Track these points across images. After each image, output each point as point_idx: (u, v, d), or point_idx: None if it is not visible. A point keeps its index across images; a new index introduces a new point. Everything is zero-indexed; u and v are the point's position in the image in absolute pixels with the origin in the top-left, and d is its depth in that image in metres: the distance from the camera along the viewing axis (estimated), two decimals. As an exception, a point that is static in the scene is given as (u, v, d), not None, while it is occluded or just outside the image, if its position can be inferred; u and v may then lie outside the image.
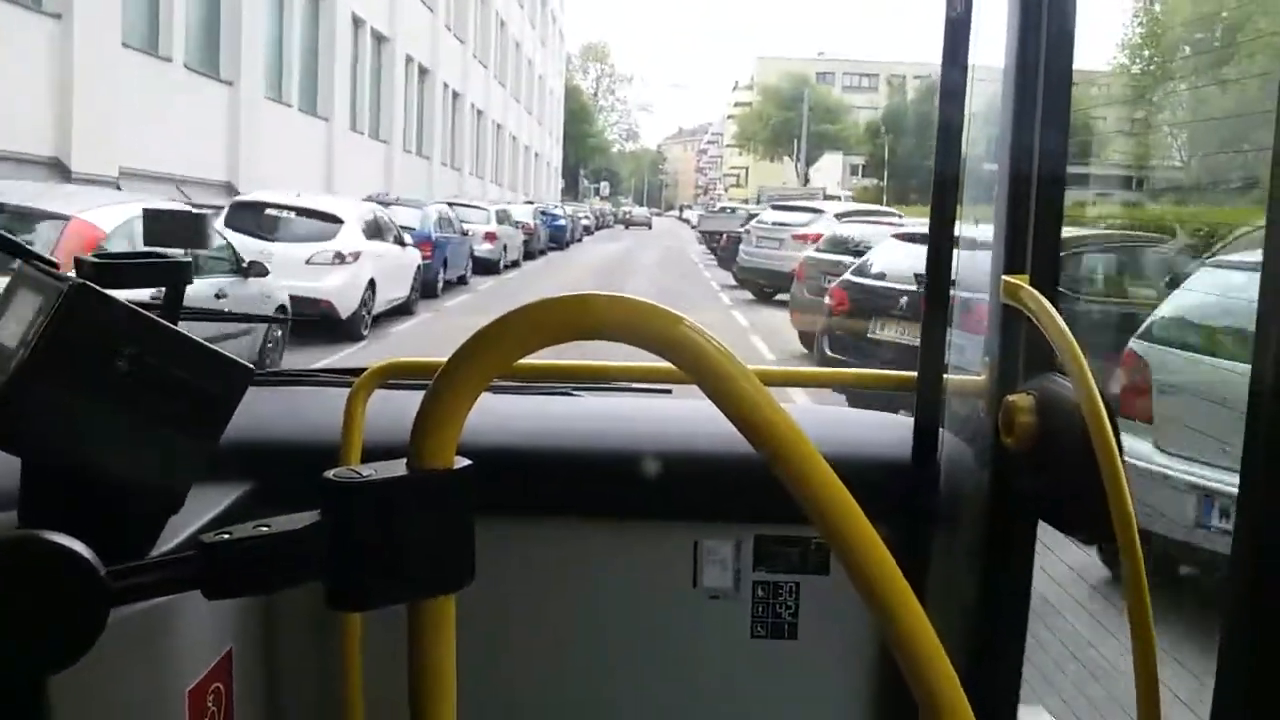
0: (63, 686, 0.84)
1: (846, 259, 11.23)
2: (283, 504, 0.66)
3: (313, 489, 0.59)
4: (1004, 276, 1.27)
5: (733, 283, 19.72)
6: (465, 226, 19.43)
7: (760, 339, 13.18)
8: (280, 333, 9.36)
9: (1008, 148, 1.29)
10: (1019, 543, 1.35)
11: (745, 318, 15.57)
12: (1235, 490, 0.90)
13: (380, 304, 12.80)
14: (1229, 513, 4.10)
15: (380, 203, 15.59)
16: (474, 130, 40.73)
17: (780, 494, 0.57)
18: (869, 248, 11.20)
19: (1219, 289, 4.92)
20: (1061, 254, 1.31)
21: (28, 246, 0.98)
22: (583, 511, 1.52)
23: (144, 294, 1.05)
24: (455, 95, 37.28)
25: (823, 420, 1.83)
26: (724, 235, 24.58)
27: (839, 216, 16.34)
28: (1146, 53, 22.31)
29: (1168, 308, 5.34)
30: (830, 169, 66.44)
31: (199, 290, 7.06)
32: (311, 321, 11.13)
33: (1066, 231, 1.32)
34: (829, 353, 9.26)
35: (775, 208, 19.93)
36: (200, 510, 1.19)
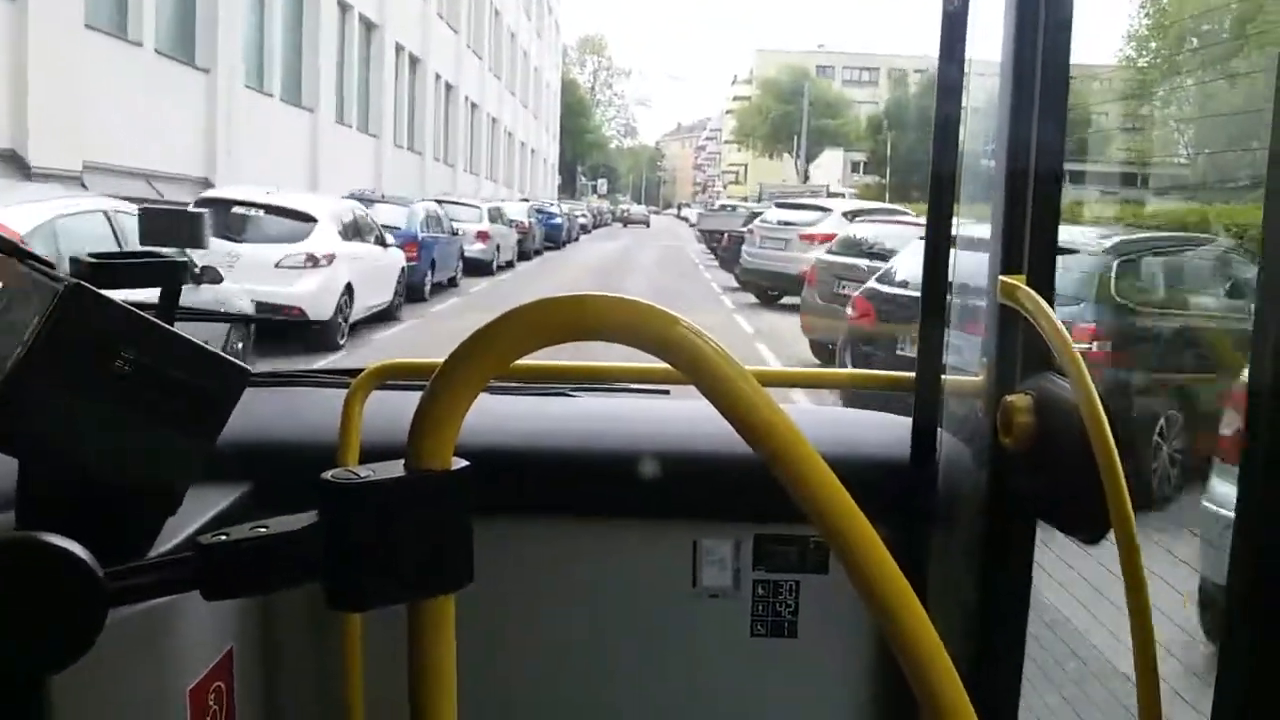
0: (64, 686, 0.88)
1: (861, 262, 10.95)
2: (281, 505, 0.66)
3: (311, 490, 0.60)
4: (1001, 277, 1.29)
5: (734, 285, 19.21)
6: (456, 225, 18.84)
7: (766, 346, 12.55)
8: (241, 345, 8.56)
9: (1005, 146, 1.31)
10: (1018, 542, 1.37)
11: (749, 323, 15.00)
12: None
13: (359, 310, 12.16)
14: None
15: (362, 200, 14.92)
16: (468, 124, 39.84)
17: (779, 493, 0.58)
18: (885, 249, 11.06)
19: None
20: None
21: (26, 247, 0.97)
22: (581, 512, 1.54)
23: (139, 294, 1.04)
24: (448, 87, 36.36)
25: (821, 420, 1.88)
26: (725, 235, 24.10)
27: (848, 215, 15.85)
28: (1153, 44, 21.78)
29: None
30: (831, 165, 66.22)
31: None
32: (283, 330, 10.51)
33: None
34: (851, 368, 8.53)
35: (780, 205, 19.38)
36: (198, 511, 1.21)
